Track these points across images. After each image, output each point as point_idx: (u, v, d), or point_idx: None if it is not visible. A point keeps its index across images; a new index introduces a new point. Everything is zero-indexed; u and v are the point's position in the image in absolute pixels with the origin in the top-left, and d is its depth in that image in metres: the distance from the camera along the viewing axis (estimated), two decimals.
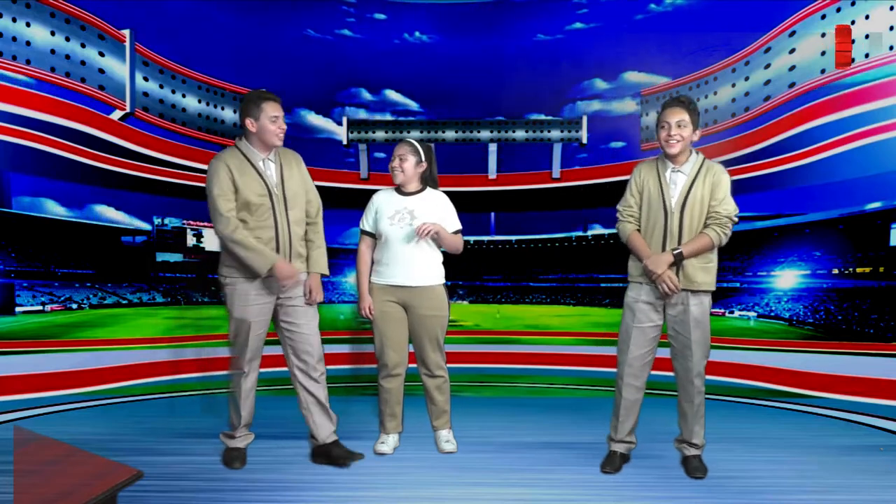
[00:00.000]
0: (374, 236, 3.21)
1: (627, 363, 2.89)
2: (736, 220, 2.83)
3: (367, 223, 3.23)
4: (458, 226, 3.24)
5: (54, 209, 5.47)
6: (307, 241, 3.04)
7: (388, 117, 6.59)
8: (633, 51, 6.16)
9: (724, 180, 2.79)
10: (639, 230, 2.87)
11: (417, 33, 6.38)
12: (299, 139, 6.55)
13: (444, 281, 3.24)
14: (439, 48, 6.38)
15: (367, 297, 3.20)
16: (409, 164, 3.14)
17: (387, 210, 3.17)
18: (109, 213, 5.80)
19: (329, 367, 3.14)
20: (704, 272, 2.79)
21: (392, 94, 6.56)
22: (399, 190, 3.21)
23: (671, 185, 2.80)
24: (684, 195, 2.77)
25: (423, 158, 3.17)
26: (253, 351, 2.96)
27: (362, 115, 6.61)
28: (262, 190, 2.85)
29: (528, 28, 6.32)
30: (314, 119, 6.60)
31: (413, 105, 6.58)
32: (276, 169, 2.93)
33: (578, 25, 6.22)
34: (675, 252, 2.73)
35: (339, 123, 6.63)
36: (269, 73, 6.25)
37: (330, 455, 3.02)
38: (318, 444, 3.07)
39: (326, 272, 3.07)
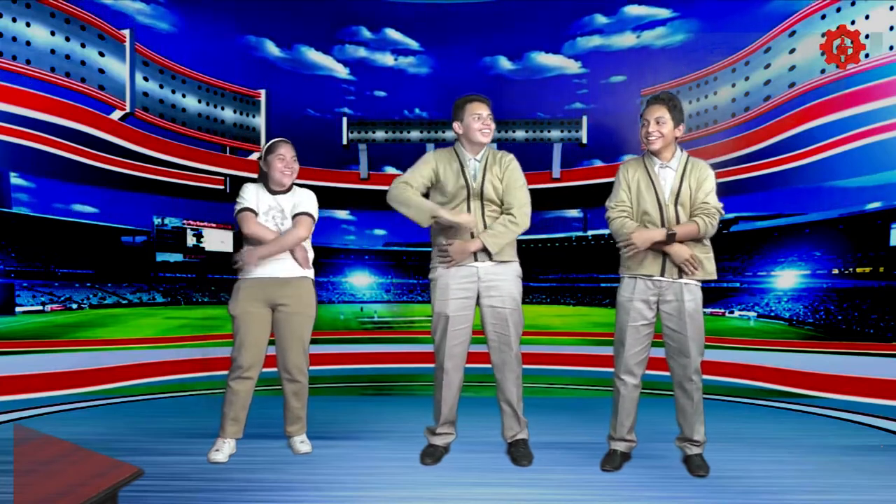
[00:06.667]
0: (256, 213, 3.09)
1: (624, 361, 2.91)
2: (722, 213, 2.90)
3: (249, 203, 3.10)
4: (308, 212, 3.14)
5: (54, 209, 5.47)
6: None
7: (389, 55, 6.55)
8: None
9: (711, 176, 2.87)
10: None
11: None
12: (299, 75, 6.55)
13: (312, 276, 3.19)
14: None
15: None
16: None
17: (260, 206, 3.11)
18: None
19: (327, 366, 3.13)
20: (708, 262, 2.85)
21: (392, 33, 6.52)
22: (269, 188, 3.13)
23: (661, 180, 2.85)
24: (676, 189, 2.83)
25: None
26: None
27: (362, 52, 6.58)
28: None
29: None
30: (314, 56, 6.57)
31: (413, 44, 6.54)
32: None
33: None
34: (670, 233, 2.76)
35: (339, 61, 6.60)
36: (270, 7, 6.21)
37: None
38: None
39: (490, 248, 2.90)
